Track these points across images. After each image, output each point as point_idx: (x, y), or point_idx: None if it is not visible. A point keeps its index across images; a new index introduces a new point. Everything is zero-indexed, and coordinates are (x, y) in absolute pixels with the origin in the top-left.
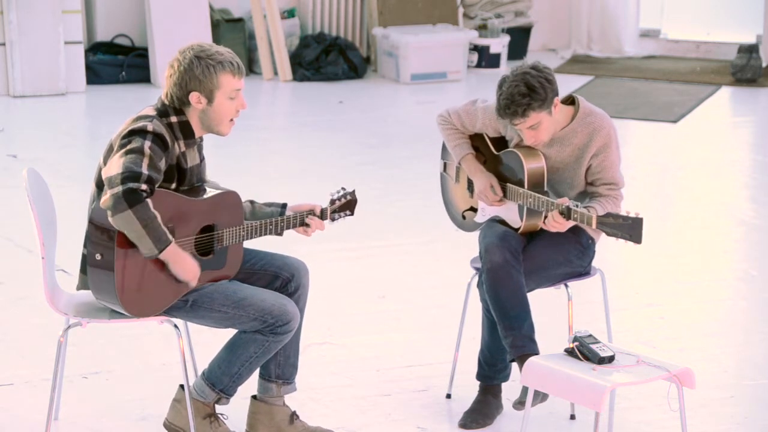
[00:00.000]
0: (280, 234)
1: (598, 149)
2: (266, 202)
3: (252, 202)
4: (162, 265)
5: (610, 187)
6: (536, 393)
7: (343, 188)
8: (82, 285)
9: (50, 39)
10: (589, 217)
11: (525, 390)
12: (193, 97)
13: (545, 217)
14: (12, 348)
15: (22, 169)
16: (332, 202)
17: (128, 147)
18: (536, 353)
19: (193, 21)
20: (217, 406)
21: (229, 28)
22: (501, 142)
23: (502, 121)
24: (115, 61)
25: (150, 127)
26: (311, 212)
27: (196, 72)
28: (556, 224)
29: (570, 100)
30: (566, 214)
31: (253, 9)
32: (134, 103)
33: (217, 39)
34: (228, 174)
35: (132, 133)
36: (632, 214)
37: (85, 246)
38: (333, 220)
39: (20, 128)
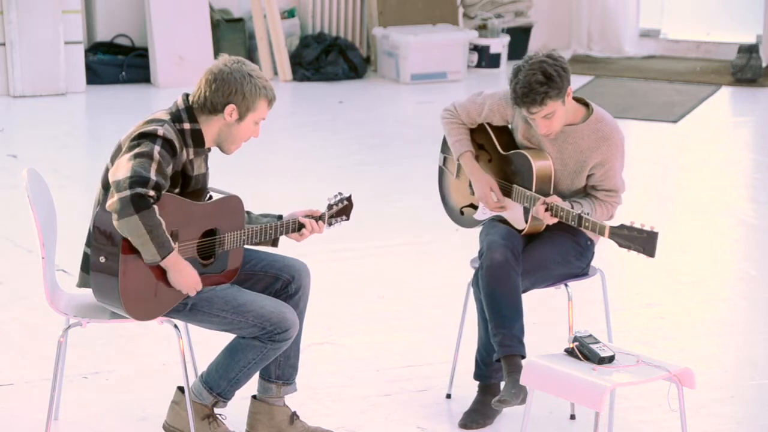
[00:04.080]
0: (275, 244)
1: (602, 159)
2: (262, 213)
3: (248, 213)
4: (164, 269)
5: (608, 194)
6: (517, 393)
7: (340, 193)
8: (82, 283)
9: (50, 39)
10: (602, 227)
11: (508, 387)
12: (229, 108)
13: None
14: (12, 348)
15: (22, 169)
16: (329, 207)
17: (137, 150)
18: (523, 355)
19: (193, 21)
20: (215, 409)
21: (229, 28)
22: (507, 139)
23: (513, 109)
24: (115, 61)
25: (161, 132)
26: (308, 216)
27: (245, 88)
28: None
29: (583, 102)
30: (578, 222)
31: (253, 9)
32: (134, 103)
33: (217, 39)
34: (228, 174)
35: (142, 136)
36: (647, 227)
37: (87, 245)
38: (330, 224)
39: (20, 128)
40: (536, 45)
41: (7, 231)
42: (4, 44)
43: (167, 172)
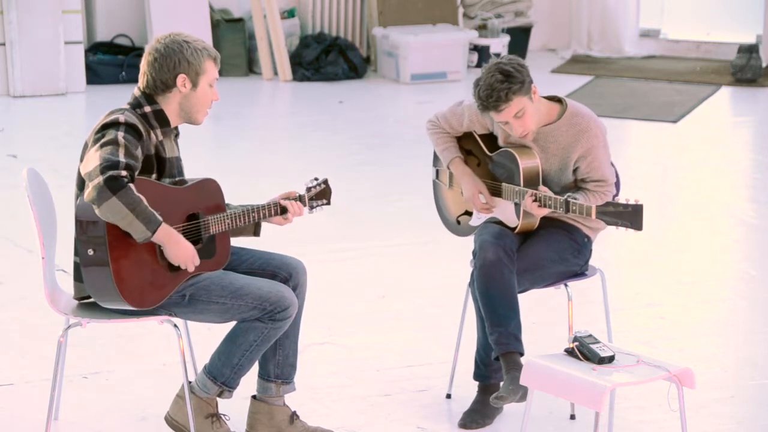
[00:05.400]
0: (257, 232)
1: (584, 152)
2: (242, 204)
3: (228, 204)
4: (156, 254)
5: (598, 184)
6: (515, 390)
7: (316, 178)
8: (79, 294)
9: (50, 39)
10: (589, 208)
11: (506, 384)
12: (180, 79)
13: (537, 200)
14: (12, 348)
15: (22, 169)
16: (308, 189)
17: (102, 140)
18: (521, 352)
19: (193, 21)
20: (219, 400)
21: (229, 28)
22: (493, 143)
23: (488, 117)
24: (115, 61)
25: (122, 119)
26: (288, 198)
27: (186, 54)
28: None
29: (557, 100)
30: (566, 208)
31: (253, 9)
32: None
33: (217, 39)
34: (228, 174)
35: (105, 127)
36: (631, 202)
37: (76, 252)
38: (311, 208)
39: (20, 128)
40: (536, 45)
41: (7, 231)
42: (4, 44)
43: (136, 154)
